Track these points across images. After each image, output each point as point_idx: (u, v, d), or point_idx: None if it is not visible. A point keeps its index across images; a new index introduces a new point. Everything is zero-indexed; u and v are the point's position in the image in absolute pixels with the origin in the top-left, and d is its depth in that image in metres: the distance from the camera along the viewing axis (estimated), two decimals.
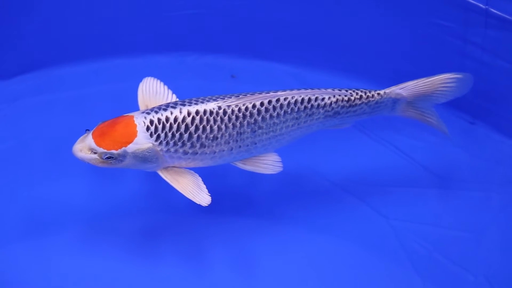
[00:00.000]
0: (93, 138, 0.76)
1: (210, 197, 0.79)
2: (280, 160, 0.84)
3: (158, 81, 0.87)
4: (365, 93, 0.84)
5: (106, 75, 1.12)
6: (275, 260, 0.89)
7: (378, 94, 0.85)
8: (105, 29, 1.11)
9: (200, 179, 0.80)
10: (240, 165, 0.83)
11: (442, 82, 0.86)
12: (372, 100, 0.85)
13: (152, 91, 0.86)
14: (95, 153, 0.77)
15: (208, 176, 0.82)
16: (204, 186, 0.80)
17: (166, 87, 0.87)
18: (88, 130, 0.78)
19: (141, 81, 0.87)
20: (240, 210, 0.94)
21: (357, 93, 0.84)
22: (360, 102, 0.84)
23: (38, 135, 1.02)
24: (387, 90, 0.86)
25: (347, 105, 0.83)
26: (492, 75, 1.02)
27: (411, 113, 0.89)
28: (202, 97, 0.81)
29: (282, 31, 1.11)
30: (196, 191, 0.79)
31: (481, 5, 0.99)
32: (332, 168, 0.99)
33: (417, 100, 0.87)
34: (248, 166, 0.83)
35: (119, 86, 1.10)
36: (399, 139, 1.03)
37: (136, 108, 1.05)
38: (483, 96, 1.04)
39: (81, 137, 0.78)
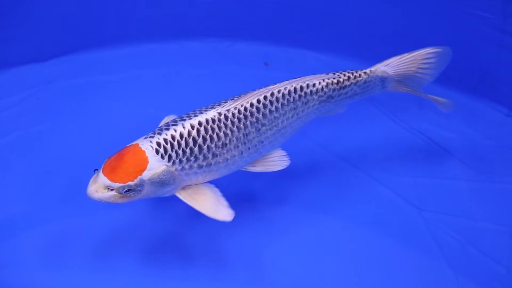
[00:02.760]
0: (105, 175, 0.74)
1: (233, 211, 0.77)
2: (285, 154, 0.84)
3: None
4: (353, 74, 0.86)
5: (140, 60, 1.13)
6: (302, 249, 0.88)
7: (365, 73, 0.86)
8: (140, 14, 1.12)
9: (218, 191, 0.79)
10: (250, 168, 0.83)
11: (424, 57, 0.87)
12: (360, 80, 0.86)
13: None
14: (112, 190, 0.75)
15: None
16: (224, 199, 0.78)
17: None
18: (97, 169, 0.76)
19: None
20: (266, 195, 0.94)
21: (344, 75, 0.85)
22: (349, 83, 0.85)
23: (71, 118, 1.03)
24: (372, 68, 0.87)
25: (338, 87, 0.85)
26: None
27: (403, 89, 0.90)
28: (198, 109, 0.80)
29: (316, 18, 1.11)
30: (216, 208, 0.77)
31: None
32: (364, 158, 0.98)
33: (405, 79, 0.88)
34: (258, 168, 0.83)
35: (153, 71, 1.11)
36: (433, 130, 1.02)
37: (168, 96, 1.06)
38: None
39: (92, 178, 0.76)
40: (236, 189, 0.93)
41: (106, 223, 0.89)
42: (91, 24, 1.11)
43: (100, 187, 0.75)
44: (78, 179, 0.93)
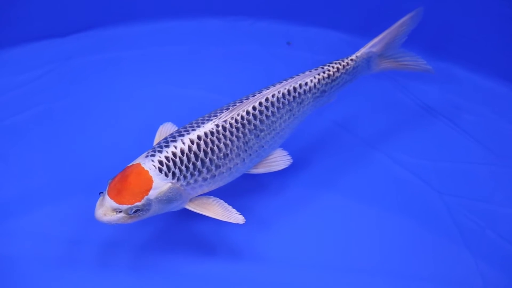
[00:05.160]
0: (111, 198, 0.74)
1: (242, 215, 0.79)
2: (287, 153, 0.86)
3: (175, 126, 0.87)
4: (341, 64, 0.87)
5: (160, 37, 1.12)
6: (322, 230, 0.88)
7: (352, 60, 0.88)
8: None
9: (223, 201, 0.80)
10: (253, 171, 0.84)
11: (401, 25, 0.90)
12: (349, 68, 0.87)
13: (168, 133, 0.85)
14: (120, 212, 0.75)
15: None
16: (231, 206, 0.80)
17: None
18: (102, 192, 0.76)
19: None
20: (287, 178, 0.93)
21: (333, 67, 0.86)
22: (339, 74, 0.86)
23: (91, 94, 1.03)
24: (358, 54, 0.89)
25: (330, 81, 0.86)
26: None
27: (387, 64, 0.92)
28: (195, 121, 0.80)
29: None
30: (228, 213, 0.79)
31: None
32: (383, 140, 0.98)
33: (385, 50, 0.90)
34: (260, 169, 0.84)
35: (173, 49, 1.10)
36: (455, 112, 1.02)
37: (188, 74, 1.05)
38: None
39: (98, 202, 0.76)
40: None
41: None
42: (112, 0, 1.10)
43: (108, 210, 0.75)
44: (97, 155, 0.94)
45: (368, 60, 0.89)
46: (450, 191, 0.92)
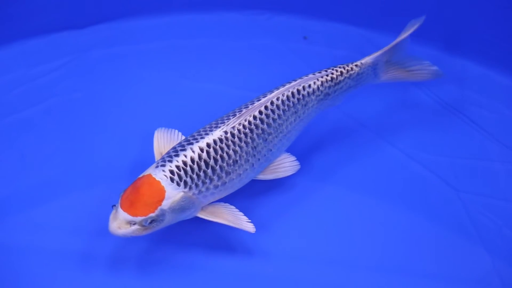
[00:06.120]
0: (125, 211, 0.74)
1: (252, 224, 0.79)
2: (294, 159, 0.86)
3: (171, 129, 0.87)
4: (345, 68, 0.88)
5: (178, 30, 1.11)
6: (331, 226, 0.88)
7: (356, 65, 0.89)
8: None
9: (234, 208, 0.81)
10: (261, 177, 0.85)
11: (405, 36, 0.91)
12: (353, 73, 0.88)
13: (167, 139, 0.85)
14: (134, 224, 0.75)
15: None
16: (242, 213, 0.80)
17: (180, 134, 0.86)
18: (114, 205, 0.76)
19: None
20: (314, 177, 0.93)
21: (336, 70, 0.87)
22: (342, 78, 0.87)
23: (107, 86, 1.03)
24: (363, 61, 0.89)
25: (333, 84, 0.87)
26: None
27: (395, 72, 0.92)
28: (202, 128, 0.81)
29: None
30: (238, 221, 0.79)
31: None
32: (400, 136, 0.97)
33: (392, 56, 0.91)
34: (268, 175, 0.85)
35: (190, 42, 1.10)
36: (473, 110, 1.01)
37: (204, 67, 1.05)
38: None
39: (112, 215, 0.76)
40: None
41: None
42: None
43: (122, 223, 0.75)
44: (112, 148, 0.94)
45: (374, 68, 0.90)
46: (467, 188, 0.92)
